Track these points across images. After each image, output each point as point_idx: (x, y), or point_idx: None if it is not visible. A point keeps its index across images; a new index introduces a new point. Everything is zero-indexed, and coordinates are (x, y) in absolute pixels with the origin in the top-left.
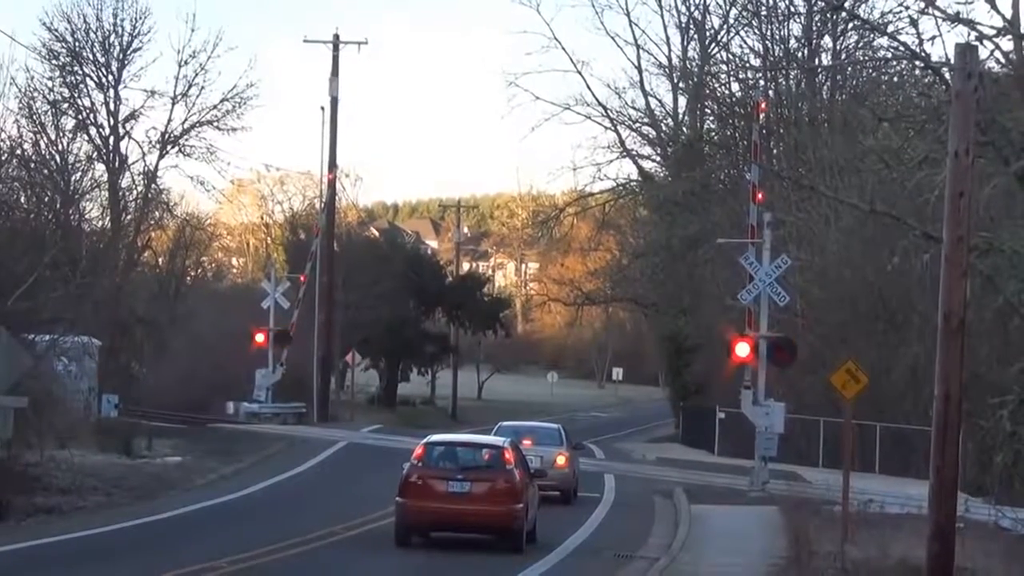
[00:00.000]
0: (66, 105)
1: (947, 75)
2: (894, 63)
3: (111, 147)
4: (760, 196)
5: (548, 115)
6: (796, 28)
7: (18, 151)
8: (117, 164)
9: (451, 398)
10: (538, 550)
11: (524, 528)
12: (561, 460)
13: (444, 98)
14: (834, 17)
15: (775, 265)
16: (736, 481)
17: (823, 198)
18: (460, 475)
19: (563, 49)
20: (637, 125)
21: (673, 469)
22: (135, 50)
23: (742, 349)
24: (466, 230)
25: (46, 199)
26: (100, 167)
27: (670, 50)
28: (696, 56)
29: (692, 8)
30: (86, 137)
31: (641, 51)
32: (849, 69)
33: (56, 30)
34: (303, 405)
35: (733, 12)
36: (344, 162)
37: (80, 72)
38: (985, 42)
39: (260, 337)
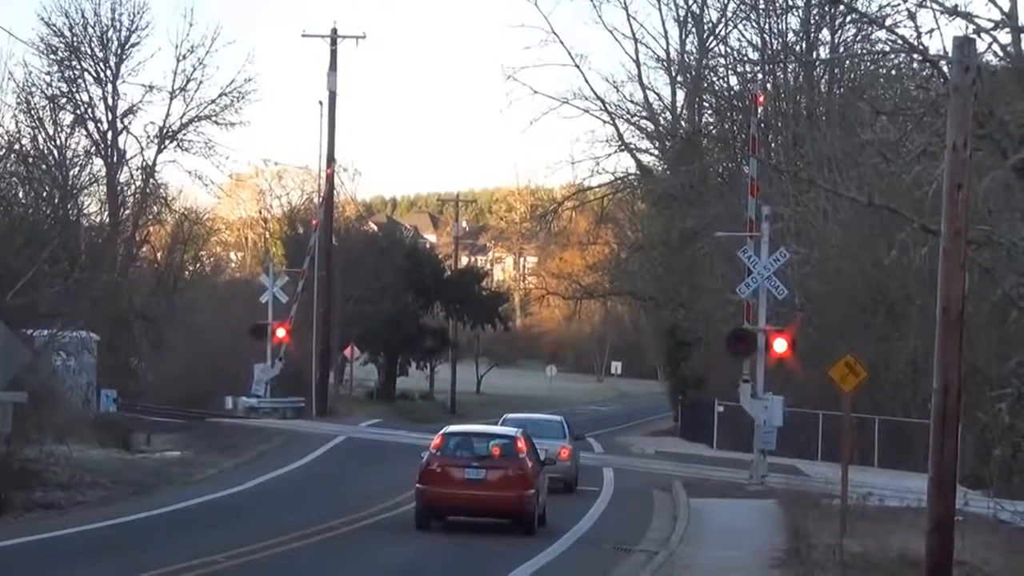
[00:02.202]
0: (64, 100)
1: (945, 68)
2: (892, 56)
3: (109, 142)
4: (758, 189)
5: (546, 109)
6: (794, 21)
7: (16, 146)
8: (115, 159)
9: (450, 392)
10: (535, 544)
11: (535, 512)
12: (565, 453)
13: (442, 92)
14: (832, 10)
15: (773, 258)
16: (735, 475)
17: (821, 191)
18: (476, 463)
19: (561, 43)
20: (635, 119)
21: (672, 463)
22: (133, 45)
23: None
24: (464, 224)
25: (44, 194)
26: (98, 162)
27: (668, 44)
28: (694, 50)
29: (690, 1)
30: (84, 132)
31: (639, 45)
32: (847, 62)
33: (54, 25)
34: (302, 399)
35: (731, 5)
36: (342, 157)
37: (78, 67)
38: (983, 35)
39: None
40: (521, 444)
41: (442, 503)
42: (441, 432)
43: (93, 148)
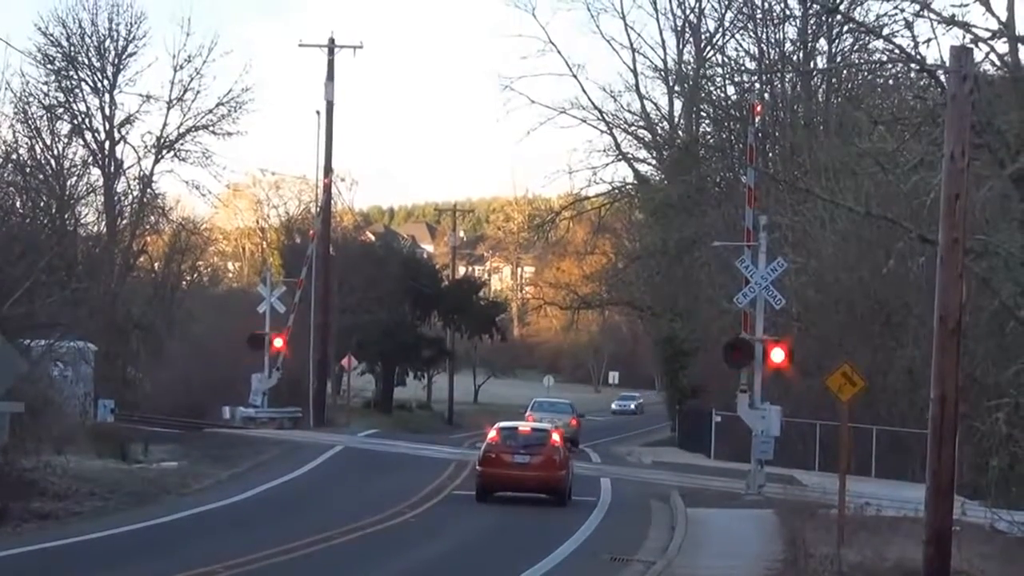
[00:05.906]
0: (61, 110)
1: (942, 78)
2: (889, 66)
3: (106, 152)
4: (756, 199)
5: (544, 119)
6: (791, 31)
7: (13, 156)
8: (112, 169)
9: (447, 402)
10: (527, 555)
11: (567, 489)
12: (574, 422)
13: (440, 102)
14: (829, 20)
15: (771, 268)
16: (732, 484)
17: (819, 201)
18: (522, 450)
19: (559, 53)
20: (633, 128)
21: (669, 472)
22: (130, 55)
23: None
24: (462, 234)
25: (41, 204)
26: (95, 172)
27: (666, 53)
28: (691, 59)
29: (688, 11)
30: (81, 142)
31: (637, 54)
32: (844, 72)
33: (51, 35)
34: (299, 409)
35: (729, 15)
36: (340, 166)
37: (75, 77)
38: (980, 44)
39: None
40: (556, 436)
41: (496, 481)
42: (495, 426)
43: (90, 158)
